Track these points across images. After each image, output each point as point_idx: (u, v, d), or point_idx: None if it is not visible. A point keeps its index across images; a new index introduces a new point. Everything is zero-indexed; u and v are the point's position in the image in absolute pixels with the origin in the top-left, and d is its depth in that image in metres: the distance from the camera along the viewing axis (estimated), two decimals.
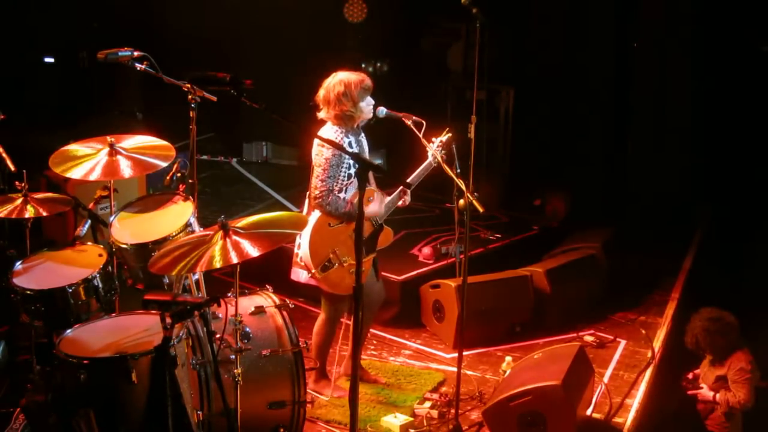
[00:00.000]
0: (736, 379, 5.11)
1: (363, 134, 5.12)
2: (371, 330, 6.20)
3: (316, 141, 4.89)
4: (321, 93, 4.96)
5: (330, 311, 5.14)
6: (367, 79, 4.96)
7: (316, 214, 4.91)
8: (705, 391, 5.24)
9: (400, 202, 5.16)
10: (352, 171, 4.90)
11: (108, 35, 8.59)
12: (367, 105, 4.96)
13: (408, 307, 6.43)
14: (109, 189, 4.92)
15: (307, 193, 4.98)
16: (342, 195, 4.90)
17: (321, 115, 4.97)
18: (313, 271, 4.88)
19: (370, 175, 4.89)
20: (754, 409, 5.18)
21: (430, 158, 5.02)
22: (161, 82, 4.65)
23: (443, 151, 5.03)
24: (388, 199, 5.12)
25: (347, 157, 4.85)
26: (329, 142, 4.70)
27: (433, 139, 5.05)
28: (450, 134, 5.07)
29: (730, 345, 5.17)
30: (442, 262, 6.78)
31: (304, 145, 5.24)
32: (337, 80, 4.92)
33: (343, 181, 4.91)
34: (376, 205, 5.04)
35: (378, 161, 8.85)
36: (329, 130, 4.96)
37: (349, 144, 4.93)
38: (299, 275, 5.01)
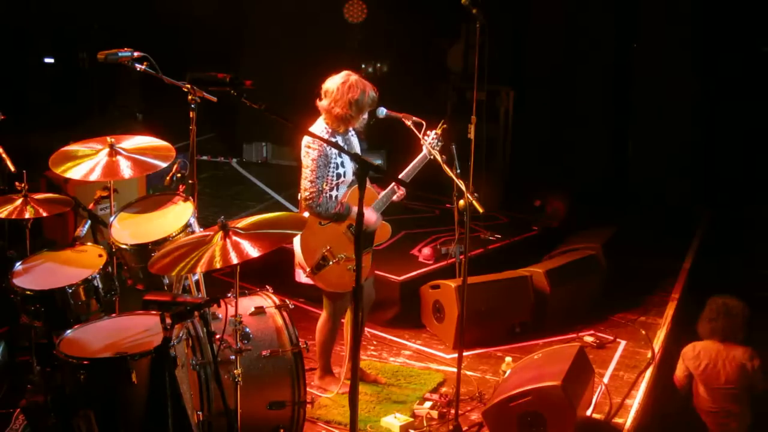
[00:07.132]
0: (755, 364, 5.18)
1: (352, 132, 5.07)
2: (371, 330, 6.22)
3: (303, 141, 4.85)
4: (331, 87, 4.83)
5: (331, 309, 5.14)
6: (375, 92, 4.90)
7: (305, 213, 4.89)
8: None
9: (395, 197, 5.11)
10: (341, 170, 4.87)
11: (108, 35, 8.60)
12: (363, 117, 4.94)
13: (408, 307, 6.42)
14: (109, 189, 4.92)
15: (299, 194, 4.94)
16: (333, 193, 4.88)
17: (321, 104, 4.86)
18: (308, 270, 4.88)
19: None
20: (757, 413, 5.20)
21: (424, 151, 5.01)
22: (161, 82, 4.65)
23: (440, 143, 5.02)
24: (382, 193, 5.08)
25: (334, 155, 4.82)
26: (328, 142, 4.69)
27: (428, 132, 5.03)
28: (445, 126, 5.06)
29: (742, 329, 5.22)
30: (442, 262, 6.77)
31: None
32: (353, 81, 4.81)
33: (332, 180, 4.88)
34: (369, 211, 4.96)
35: (378, 161, 8.85)
36: (318, 127, 4.92)
37: (335, 143, 4.90)
38: (300, 276, 5.02)
